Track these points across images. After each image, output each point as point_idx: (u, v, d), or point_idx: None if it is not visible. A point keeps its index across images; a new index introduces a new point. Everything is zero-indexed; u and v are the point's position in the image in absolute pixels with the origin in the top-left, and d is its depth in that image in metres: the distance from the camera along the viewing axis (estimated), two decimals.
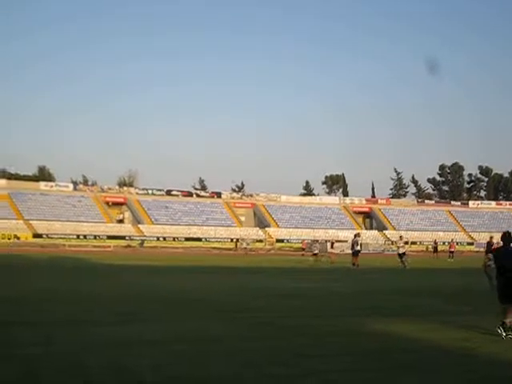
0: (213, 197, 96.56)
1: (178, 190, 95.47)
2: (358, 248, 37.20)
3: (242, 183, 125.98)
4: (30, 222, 78.92)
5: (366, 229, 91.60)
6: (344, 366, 8.45)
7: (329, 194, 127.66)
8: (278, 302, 16.69)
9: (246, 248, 66.33)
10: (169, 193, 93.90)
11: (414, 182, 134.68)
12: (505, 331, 10.44)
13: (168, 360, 8.59)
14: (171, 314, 13.65)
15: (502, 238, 10.66)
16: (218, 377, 7.75)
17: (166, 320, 12.68)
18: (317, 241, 48.16)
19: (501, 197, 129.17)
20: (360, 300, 17.85)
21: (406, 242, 41.93)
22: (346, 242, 74.03)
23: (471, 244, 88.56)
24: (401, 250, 37.05)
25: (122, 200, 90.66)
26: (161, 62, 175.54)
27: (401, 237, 40.76)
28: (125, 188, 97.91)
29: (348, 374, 7.97)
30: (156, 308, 14.75)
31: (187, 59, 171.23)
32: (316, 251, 46.16)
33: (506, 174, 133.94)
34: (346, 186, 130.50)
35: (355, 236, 39.21)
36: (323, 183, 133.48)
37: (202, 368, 8.21)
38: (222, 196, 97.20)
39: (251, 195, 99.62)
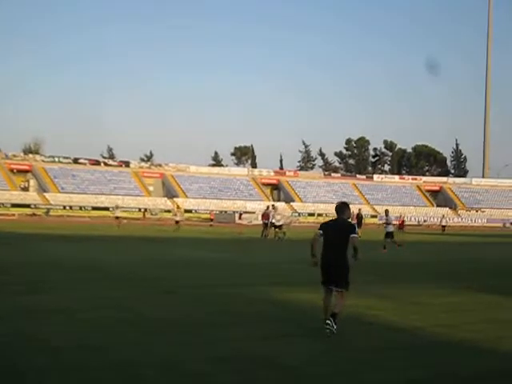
0: (121, 166, 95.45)
1: (85, 159, 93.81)
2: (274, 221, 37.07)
3: (151, 152, 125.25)
4: None
5: (274, 200, 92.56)
6: (252, 333, 8.75)
7: (237, 165, 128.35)
8: (185, 272, 16.89)
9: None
10: (76, 161, 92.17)
11: (322, 155, 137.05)
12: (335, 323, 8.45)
13: (76, 327, 8.69)
14: (76, 283, 13.62)
15: (336, 208, 9.15)
16: (123, 343, 7.90)
17: (78, 289, 12.67)
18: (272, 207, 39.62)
19: (404, 171, 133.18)
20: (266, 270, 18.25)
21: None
22: (254, 213, 74.99)
23: (375, 217, 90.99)
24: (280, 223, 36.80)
25: (27, 167, 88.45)
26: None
27: (273, 206, 40.41)
28: (30, 155, 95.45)
29: (253, 341, 8.26)
30: (61, 277, 14.68)
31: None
32: (280, 222, 36.85)
33: (409, 150, 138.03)
34: (255, 157, 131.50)
35: (268, 208, 39.53)
36: (232, 154, 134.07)
37: (109, 336, 8.34)
38: (131, 165, 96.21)
39: (160, 165, 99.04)
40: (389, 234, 28.35)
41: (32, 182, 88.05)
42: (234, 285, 13.97)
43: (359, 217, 37.37)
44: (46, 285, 13.09)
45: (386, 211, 30.70)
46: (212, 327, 9.05)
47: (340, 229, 8.86)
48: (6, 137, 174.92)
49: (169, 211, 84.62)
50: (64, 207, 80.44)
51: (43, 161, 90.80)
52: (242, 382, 6.47)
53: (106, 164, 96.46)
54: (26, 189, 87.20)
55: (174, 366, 6.86)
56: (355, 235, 8.94)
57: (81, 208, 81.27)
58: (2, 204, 77.07)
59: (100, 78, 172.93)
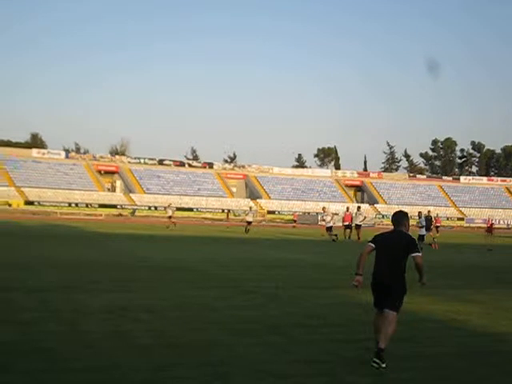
0: (205, 167, 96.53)
1: (170, 160, 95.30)
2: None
3: (235, 154, 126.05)
4: (22, 189, 78.77)
5: (357, 202, 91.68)
6: (336, 336, 8.61)
7: (321, 166, 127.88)
8: (269, 273, 16.84)
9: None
10: (161, 162, 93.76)
11: (407, 156, 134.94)
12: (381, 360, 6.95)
13: (164, 326, 8.75)
14: (164, 282, 13.75)
15: (392, 218, 7.81)
16: (214, 342, 7.89)
17: (160, 288, 12.79)
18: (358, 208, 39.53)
19: (492, 173, 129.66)
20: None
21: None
22: (337, 214, 74.47)
23: (461, 219, 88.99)
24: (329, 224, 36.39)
25: (113, 169, 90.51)
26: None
27: (358, 207, 40.09)
28: (117, 156, 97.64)
29: (338, 344, 8.12)
30: (150, 276, 14.85)
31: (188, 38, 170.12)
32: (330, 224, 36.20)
33: (498, 150, 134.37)
34: (338, 158, 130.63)
35: (348, 209, 39.50)
36: (315, 156, 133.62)
37: (197, 333, 8.36)
38: (214, 166, 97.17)
39: (243, 166, 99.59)
40: (421, 238, 27.08)
41: (118, 183, 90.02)
42: (315, 287, 13.88)
43: (428, 219, 36.53)
44: (135, 283, 13.25)
45: (419, 213, 30.11)
46: (296, 328, 8.98)
47: (397, 244, 7.41)
48: (94, 139, 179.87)
49: None
50: (149, 208, 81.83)
51: (129, 162, 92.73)
52: None
53: (190, 165, 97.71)
54: (112, 189, 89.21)
55: (258, 367, 6.81)
56: (418, 254, 7.37)
57: (165, 208, 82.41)
58: (90, 204, 79.07)
59: (184, 81, 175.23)
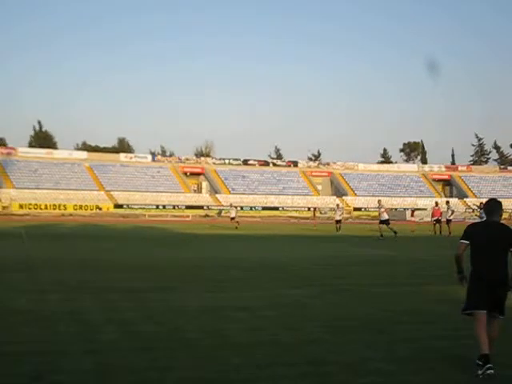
0: (289, 166, 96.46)
1: (254, 160, 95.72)
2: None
3: (319, 152, 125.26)
4: (111, 192, 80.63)
5: (446, 196, 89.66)
6: (434, 333, 8.30)
7: (407, 161, 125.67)
8: (359, 270, 16.58)
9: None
10: (245, 162, 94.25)
11: (497, 147, 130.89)
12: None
13: (261, 324, 8.63)
14: (256, 281, 13.68)
15: (485, 207, 7.02)
16: (313, 340, 7.73)
17: (253, 287, 12.71)
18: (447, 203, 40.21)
19: None
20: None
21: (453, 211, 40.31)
22: (425, 210, 72.95)
23: None
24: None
25: (199, 170, 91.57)
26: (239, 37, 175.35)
27: (447, 202, 39.62)
28: (202, 158, 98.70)
29: (435, 341, 7.82)
30: (242, 275, 14.81)
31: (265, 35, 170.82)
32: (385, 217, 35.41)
33: None
34: (425, 152, 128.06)
35: (437, 204, 38.80)
36: (401, 150, 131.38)
37: (295, 332, 8.21)
38: (299, 165, 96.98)
39: (328, 164, 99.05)
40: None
41: (204, 184, 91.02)
42: (407, 284, 13.60)
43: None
44: (228, 283, 13.24)
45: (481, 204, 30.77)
46: (394, 325, 8.77)
47: (496, 237, 6.59)
48: (180, 142, 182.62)
49: None
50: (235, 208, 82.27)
51: (214, 163, 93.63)
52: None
53: (274, 164, 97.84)
54: (198, 191, 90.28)
55: (360, 365, 6.62)
56: None
57: (251, 208, 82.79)
58: (177, 206, 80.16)
59: (264, 80, 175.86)
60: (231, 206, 47.85)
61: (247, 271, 15.74)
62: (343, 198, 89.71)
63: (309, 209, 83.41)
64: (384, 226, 34.46)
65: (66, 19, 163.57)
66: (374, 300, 11.15)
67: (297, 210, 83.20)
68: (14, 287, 11.76)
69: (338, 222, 39.70)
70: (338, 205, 44.60)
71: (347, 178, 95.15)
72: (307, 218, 73.65)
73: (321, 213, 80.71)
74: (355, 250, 24.51)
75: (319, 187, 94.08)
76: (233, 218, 44.77)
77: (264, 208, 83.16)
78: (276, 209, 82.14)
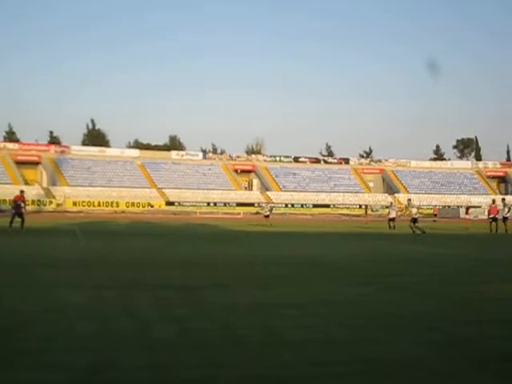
0: (340, 163, 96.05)
1: (305, 157, 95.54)
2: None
3: (370, 149, 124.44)
4: (163, 190, 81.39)
5: (501, 194, 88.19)
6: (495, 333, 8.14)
7: (460, 158, 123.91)
8: (412, 267, 16.38)
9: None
10: (296, 159, 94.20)
11: None
12: None
13: (314, 322, 8.59)
14: (307, 278, 13.62)
15: None
16: (370, 338, 7.65)
17: (304, 284, 12.66)
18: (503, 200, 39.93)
19: None
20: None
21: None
22: (480, 207, 71.79)
23: None
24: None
25: (250, 167, 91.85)
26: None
27: (503, 200, 38.71)
28: (253, 156, 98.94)
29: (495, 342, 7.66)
30: (291, 272, 14.77)
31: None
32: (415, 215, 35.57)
33: None
34: (479, 149, 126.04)
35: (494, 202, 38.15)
36: (454, 147, 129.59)
37: (350, 329, 8.14)
38: (350, 162, 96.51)
39: (379, 161, 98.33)
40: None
41: (255, 182, 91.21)
42: (466, 282, 13.35)
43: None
44: (277, 280, 13.21)
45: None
46: (454, 324, 8.60)
47: None
48: (230, 139, 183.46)
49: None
50: (286, 205, 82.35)
51: (265, 160, 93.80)
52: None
53: (325, 162, 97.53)
54: (249, 188, 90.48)
55: (420, 365, 6.52)
56: None
57: (302, 206, 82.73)
58: (228, 203, 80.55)
59: (316, 80, 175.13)
60: (267, 204, 47.91)
61: (298, 268, 15.67)
62: (395, 195, 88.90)
63: (360, 206, 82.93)
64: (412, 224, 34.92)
65: (128, 27, 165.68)
66: (430, 298, 10.97)
67: (348, 208, 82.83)
68: (70, 284, 11.94)
69: (391, 219, 39.42)
70: (391, 203, 44.23)
71: (399, 175, 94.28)
72: (359, 216, 73.22)
73: (372, 210, 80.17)
74: (408, 248, 24.24)
75: (371, 184, 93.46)
76: (267, 216, 44.77)
77: (315, 205, 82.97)
78: (327, 206, 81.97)
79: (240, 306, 9.87)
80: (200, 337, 7.68)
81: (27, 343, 7.19)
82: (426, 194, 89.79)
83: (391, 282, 12.93)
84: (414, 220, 34.62)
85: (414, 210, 35.35)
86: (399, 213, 36.62)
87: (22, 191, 32.26)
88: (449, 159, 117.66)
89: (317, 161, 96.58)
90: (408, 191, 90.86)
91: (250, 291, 11.52)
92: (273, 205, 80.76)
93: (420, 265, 17.22)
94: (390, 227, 38.33)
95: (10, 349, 6.95)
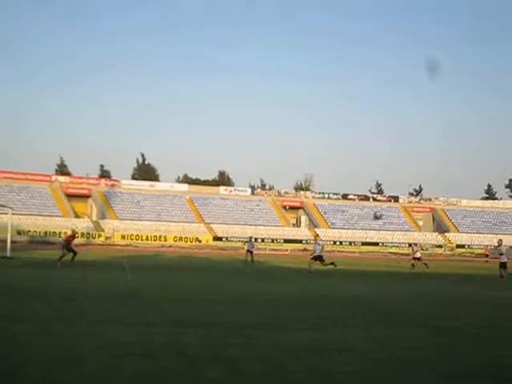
0: (390, 201, 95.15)
1: (354, 194, 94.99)
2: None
3: (420, 187, 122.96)
4: (211, 225, 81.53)
5: None
6: None
7: None
8: (461, 309, 15.88)
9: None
10: (345, 197, 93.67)
11: None
12: None
13: (368, 367, 8.24)
14: (360, 320, 13.25)
15: None
16: None
17: (357, 326, 12.30)
18: None
19: None
20: None
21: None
22: None
23: None
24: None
25: (298, 204, 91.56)
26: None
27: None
28: (301, 192, 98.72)
29: None
30: (344, 313, 14.42)
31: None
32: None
33: None
34: None
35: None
36: (507, 186, 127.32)
37: (407, 376, 7.79)
38: (400, 200, 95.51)
39: (430, 199, 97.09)
40: (502, 264, 28.74)
41: (303, 218, 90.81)
42: None
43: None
44: (331, 321, 12.89)
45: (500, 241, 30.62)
46: None
47: None
48: (279, 175, 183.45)
49: (440, 246, 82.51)
50: (334, 242, 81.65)
51: (314, 197, 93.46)
52: None
53: (374, 199, 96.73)
54: (297, 225, 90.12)
55: None
56: None
57: (350, 243, 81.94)
58: (276, 239, 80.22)
59: (364, 118, 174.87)
60: (416, 245, 45.32)
61: (349, 308, 15.34)
62: (445, 234, 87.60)
63: (409, 245, 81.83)
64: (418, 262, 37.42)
65: (180, 63, 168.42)
66: (487, 343, 10.53)
67: (397, 246, 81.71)
68: (119, 319, 11.81)
69: (416, 259, 38.96)
70: (416, 243, 43.95)
71: (450, 214, 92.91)
72: (408, 254, 72.17)
73: (422, 249, 79.00)
74: (456, 289, 23.62)
75: (420, 223, 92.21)
76: (418, 259, 41.49)
77: (363, 243, 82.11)
78: (376, 244, 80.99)
79: (292, 346, 9.59)
80: (253, 378, 7.43)
81: (75, 381, 7.04)
82: (477, 233, 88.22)
83: (443, 326, 12.52)
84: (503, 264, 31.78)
85: (503, 250, 32.48)
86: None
87: (74, 232, 32.79)
88: (501, 199, 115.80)
89: (366, 198, 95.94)
90: (458, 230, 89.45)
91: (303, 331, 11.24)
92: (322, 242, 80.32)
93: (468, 306, 16.72)
94: (413, 266, 37.71)
95: None
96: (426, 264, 37.12)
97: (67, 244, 30.14)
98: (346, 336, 10.90)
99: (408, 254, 72.84)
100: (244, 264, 31.73)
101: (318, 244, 33.87)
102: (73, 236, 31.39)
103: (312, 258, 31.56)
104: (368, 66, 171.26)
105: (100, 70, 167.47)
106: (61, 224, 73.31)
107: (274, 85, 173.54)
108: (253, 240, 36.68)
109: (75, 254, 29.57)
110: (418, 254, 39.76)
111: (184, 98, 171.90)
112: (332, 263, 31.82)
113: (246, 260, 34.21)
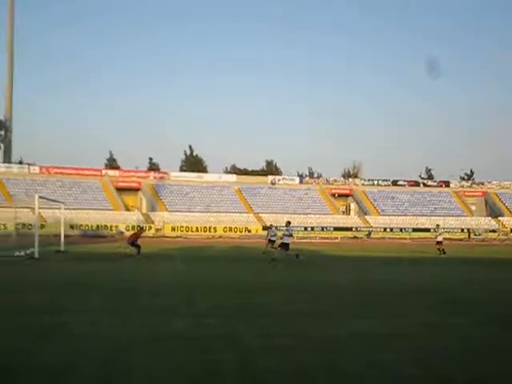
0: (441, 186, 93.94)
1: (404, 180, 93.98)
2: None
3: (471, 171, 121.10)
4: (260, 215, 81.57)
5: None
6: None
7: None
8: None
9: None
10: (395, 183, 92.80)
11: None
12: None
13: (427, 356, 8.06)
14: (412, 307, 13.01)
15: None
16: (485, 379, 7.09)
17: (410, 313, 12.07)
18: None
19: None
20: None
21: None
22: None
23: None
24: None
25: (347, 191, 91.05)
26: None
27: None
28: (350, 179, 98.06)
29: None
30: (394, 301, 14.18)
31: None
32: None
33: None
34: None
35: None
36: None
37: (467, 368, 7.60)
38: (451, 185, 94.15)
39: (482, 183, 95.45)
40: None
41: (353, 206, 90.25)
42: None
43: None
44: (382, 309, 12.72)
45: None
46: None
47: None
48: (327, 163, 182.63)
49: (493, 231, 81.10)
50: (384, 229, 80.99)
51: (363, 184, 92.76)
52: None
53: (425, 185, 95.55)
54: (347, 212, 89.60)
55: None
56: None
57: (401, 230, 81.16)
58: (325, 228, 79.92)
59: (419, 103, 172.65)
60: (437, 226, 43.64)
61: (401, 296, 15.09)
62: (499, 218, 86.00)
63: (462, 230, 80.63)
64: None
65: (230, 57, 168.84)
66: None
67: (449, 232, 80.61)
68: (171, 310, 11.82)
69: (439, 243, 37.33)
70: (437, 225, 41.51)
71: (503, 198, 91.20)
72: (461, 240, 71.15)
73: (475, 234, 77.83)
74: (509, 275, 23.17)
75: (473, 208, 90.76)
76: (440, 242, 40.35)
77: (414, 229, 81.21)
78: (427, 230, 79.95)
79: (343, 335, 9.45)
80: (304, 368, 7.34)
81: (126, 374, 7.04)
82: None
83: (494, 313, 12.22)
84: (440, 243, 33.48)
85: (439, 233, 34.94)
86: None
87: (141, 228, 33.51)
88: None
89: (416, 184, 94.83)
90: None
91: (354, 320, 11.09)
92: (371, 229, 79.71)
93: None
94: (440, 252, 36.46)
95: (110, 379, 6.82)
96: (443, 250, 36.01)
97: (136, 239, 30.45)
98: (397, 324, 10.71)
99: (461, 239, 71.96)
100: (265, 254, 30.98)
101: (277, 229, 32.93)
102: (140, 231, 32.11)
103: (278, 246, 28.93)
104: (416, 53, 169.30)
105: (156, 71, 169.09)
106: (112, 217, 74.26)
107: (318, 70, 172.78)
108: (274, 228, 35.40)
109: (139, 248, 29.81)
110: (440, 238, 37.58)
111: (231, 90, 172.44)
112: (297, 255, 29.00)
113: (266, 250, 32.77)
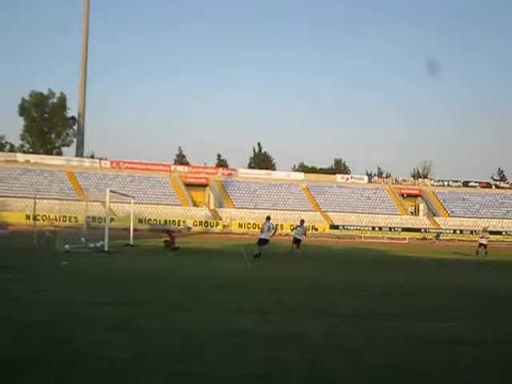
0: None
1: (475, 181, 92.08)
2: None
3: None
4: (327, 213, 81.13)
5: None
6: None
7: None
8: None
9: None
10: (466, 184, 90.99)
11: None
12: None
13: (498, 363, 7.80)
14: (487, 312, 12.66)
15: None
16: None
17: (492, 318, 11.73)
18: None
19: None
20: None
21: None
22: None
23: None
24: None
25: (416, 192, 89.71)
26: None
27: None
28: (419, 180, 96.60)
29: None
30: (476, 305, 13.83)
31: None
32: None
33: None
34: None
35: None
36: None
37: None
38: None
39: None
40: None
41: (421, 206, 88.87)
42: None
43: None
44: (461, 312, 12.39)
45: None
46: None
47: None
48: (396, 163, 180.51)
49: None
50: (454, 231, 79.47)
51: (432, 185, 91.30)
52: None
53: (497, 186, 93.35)
54: (415, 213, 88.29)
55: None
56: None
57: (471, 232, 79.46)
58: (393, 228, 78.92)
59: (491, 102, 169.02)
60: (485, 229, 42.63)
61: (475, 299, 14.74)
62: None
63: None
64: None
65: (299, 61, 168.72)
66: None
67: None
68: (237, 307, 11.80)
69: (482, 245, 36.34)
70: (485, 227, 40.20)
71: None
72: None
73: None
74: None
75: None
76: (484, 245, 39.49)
77: None
78: (499, 233, 78.10)
79: (413, 338, 9.24)
80: (375, 371, 7.18)
81: (198, 368, 7.04)
82: None
83: None
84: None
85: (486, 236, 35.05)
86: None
87: (169, 232, 33.92)
88: None
89: (488, 185, 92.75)
90: None
91: (424, 323, 10.83)
92: (440, 231, 78.29)
93: None
94: (484, 254, 35.57)
95: (183, 373, 6.82)
96: (485, 253, 35.85)
97: (173, 243, 31.38)
98: (470, 329, 10.43)
99: None
100: (290, 254, 30.30)
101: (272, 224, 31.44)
102: (171, 234, 32.63)
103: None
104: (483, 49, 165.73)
105: (220, 63, 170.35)
106: (180, 213, 75.02)
107: (386, 74, 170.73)
108: (304, 225, 32.24)
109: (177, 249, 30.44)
110: (484, 241, 36.75)
111: (300, 91, 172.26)
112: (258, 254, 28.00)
113: (292, 251, 31.08)
